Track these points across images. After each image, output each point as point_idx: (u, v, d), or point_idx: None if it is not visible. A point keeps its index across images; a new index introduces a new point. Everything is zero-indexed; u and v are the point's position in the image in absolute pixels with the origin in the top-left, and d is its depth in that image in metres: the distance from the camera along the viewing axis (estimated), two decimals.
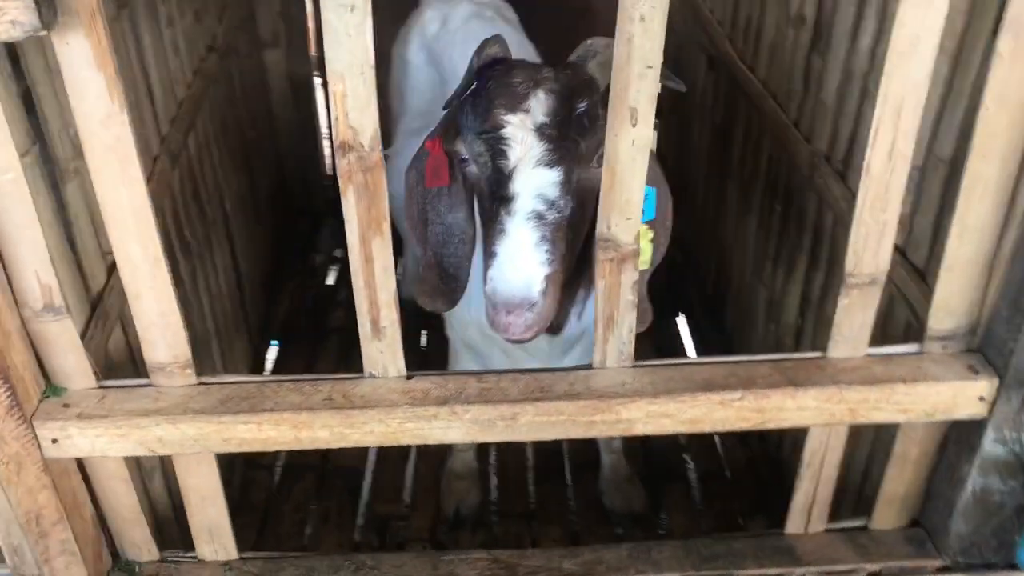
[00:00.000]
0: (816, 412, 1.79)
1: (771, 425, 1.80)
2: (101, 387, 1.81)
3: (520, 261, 1.66)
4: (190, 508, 1.99)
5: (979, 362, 1.81)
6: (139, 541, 2.06)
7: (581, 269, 1.98)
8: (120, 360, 2.02)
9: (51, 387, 1.79)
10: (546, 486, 3.01)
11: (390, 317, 1.73)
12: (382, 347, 1.77)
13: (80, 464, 1.90)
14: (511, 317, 1.66)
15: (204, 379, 1.82)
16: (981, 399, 1.79)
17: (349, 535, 2.85)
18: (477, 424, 1.77)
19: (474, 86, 1.83)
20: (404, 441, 1.79)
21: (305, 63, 4.14)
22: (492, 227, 1.71)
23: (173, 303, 1.71)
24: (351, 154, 1.55)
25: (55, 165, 1.79)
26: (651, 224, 1.82)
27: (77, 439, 1.76)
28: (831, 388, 1.77)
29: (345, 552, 2.54)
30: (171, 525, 2.20)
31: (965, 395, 1.79)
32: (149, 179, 1.85)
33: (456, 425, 1.77)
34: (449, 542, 2.83)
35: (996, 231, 1.69)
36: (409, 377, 1.81)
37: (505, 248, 1.67)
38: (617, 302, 1.74)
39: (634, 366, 1.82)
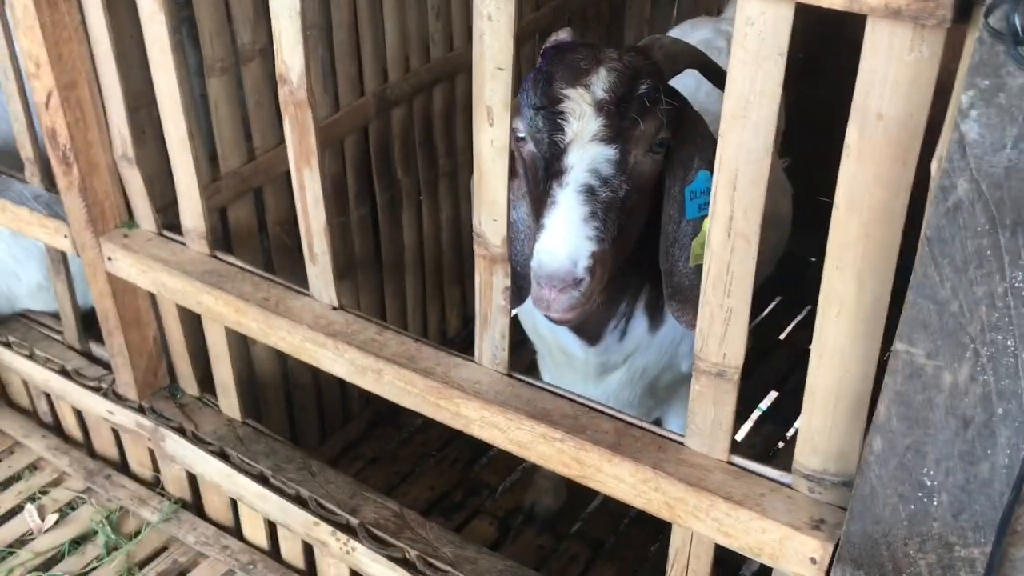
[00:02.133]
0: (632, 489, 1.63)
1: (594, 484, 1.68)
2: (158, 233, 2.28)
3: (568, 233, 1.62)
4: (212, 362, 2.40)
5: (835, 520, 1.49)
6: (185, 376, 2.52)
7: (626, 279, 1.98)
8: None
9: (127, 222, 2.31)
10: (634, 535, 2.93)
11: (321, 245, 1.94)
12: (316, 272, 1.98)
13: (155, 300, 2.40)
14: (554, 293, 1.61)
15: (217, 253, 2.20)
16: (813, 561, 1.48)
17: (438, 484, 3.08)
18: (353, 367, 1.91)
19: (538, 65, 1.88)
20: (303, 357, 1.99)
21: None
22: (544, 203, 1.68)
23: (194, 179, 2.10)
24: (285, 87, 1.79)
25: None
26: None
27: (121, 263, 2.25)
28: (647, 470, 1.60)
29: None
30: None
31: (793, 548, 1.50)
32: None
33: (339, 361, 1.93)
34: (512, 530, 2.93)
35: (863, 365, 1.39)
36: (336, 308, 2.00)
37: (553, 219, 1.63)
38: (490, 303, 1.76)
39: (507, 374, 1.81)
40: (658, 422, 2.49)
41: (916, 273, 1.19)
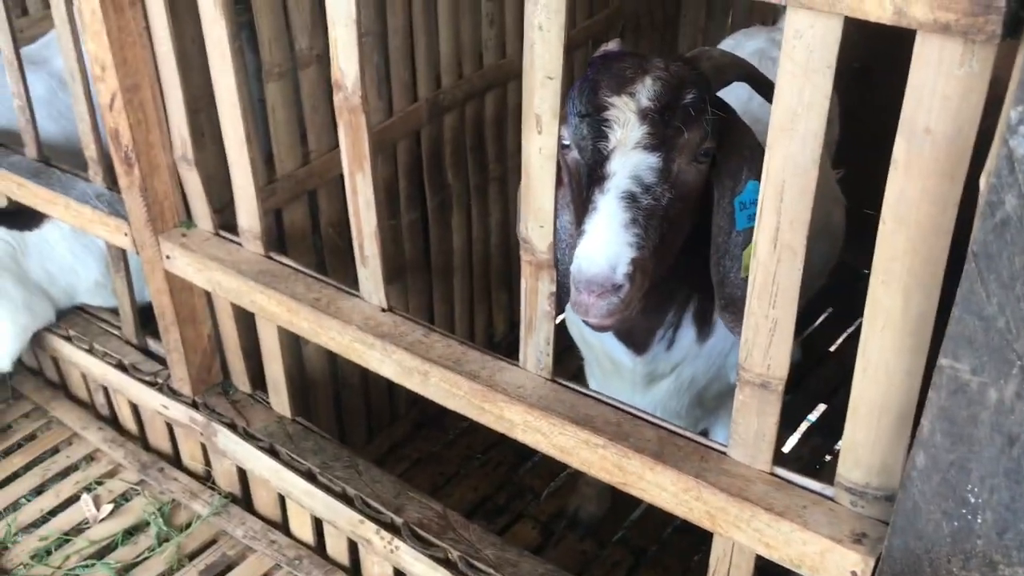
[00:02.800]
0: (674, 498, 1.64)
1: (635, 492, 1.69)
2: (215, 233, 2.34)
3: (608, 238, 1.62)
4: (264, 360, 2.45)
5: (876, 535, 1.49)
6: (238, 373, 2.58)
7: (673, 289, 2.00)
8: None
9: (185, 221, 2.37)
10: (677, 543, 2.93)
11: (372, 248, 1.97)
12: (367, 274, 2.02)
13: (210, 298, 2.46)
14: (592, 298, 1.61)
15: (272, 254, 2.25)
16: (854, 575, 1.48)
17: (482, 487, 3.11)
18: (400, 368, 1.95)
19: (585, 74, 1.89)
20: (352, 357, 2.03)
21: None
22: (586, 209, 1.69)
23: (250, 180, 2.15)
24: (340, 93, 1.83)
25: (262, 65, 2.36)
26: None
27: (178, 260, 2.31)
28: (689, 479, 1.60)
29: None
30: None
31: (835, 561, 1.49)
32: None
33: (387, 362, 1.97)
34: (555, 535, 2.95)
35: (907, 379, 1.39)
36: (385, 310, 2.04)
37: (594, 225, 1.64)
38: (535, 308, 1.78)
39: (551, 379, 1.83)
40: (705, 433, 2.49)
41: (962, 288, 1.19)
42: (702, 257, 1.89)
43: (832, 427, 3.29)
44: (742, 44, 2.86)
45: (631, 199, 1.67)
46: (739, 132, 1.87)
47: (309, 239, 2.71)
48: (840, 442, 3.11)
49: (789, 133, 1.33)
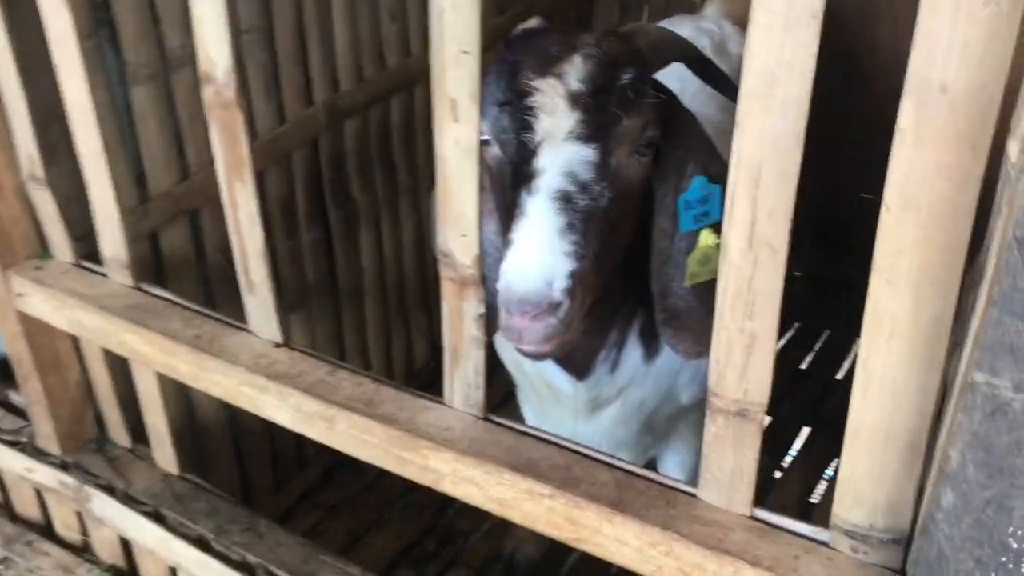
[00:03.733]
0: (638, 554, 1.36)
1: (590, 548, 1.41)
2: (76, 263, 1.99)
3: (540, 248, 1.36)
4: (144, 410, 2.10)
5: None
6: (115, 425, 2.22)
7: (617, 303, 1.73)
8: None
9: (41, 251, 2.01)
10: None
11: (260, 272, 1.66)
12: (255, 303, 1.70)
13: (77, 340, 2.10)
14: (526, 321, 1.35)
15: (143, 285, 1.91)
16: None
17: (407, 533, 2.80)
18: (300, 414, 1.63)
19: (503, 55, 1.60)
20: (241, 403, 1.71)
21: None
22: (512, 215, 1.42)
23: (112, 200, 1.81)
24: (209, 87, 1.51)
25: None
26: (720, 226, 1.55)
27: (32, 298, 1.96)
28: (656, 531, 1.33)
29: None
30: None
31: None
32: None
33: (283, 408, 1.65)
34: None
35: (919, 397, 1.14)
36: (280, 345, 1.72)
37: (523, 233, 1.38)
38: (461, 334, 1.48)
39: (483, 417, 1.54)
40: (654, 462, 2.23)
41: (1000, 284, 0.94)
42: (646, 264, 1.63)
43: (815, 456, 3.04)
44: None
45: (565, 200, 1.40)
46: (682, 120, 1.62)
47: (194, 267, 2.36)
48: (829, 473, 2.93)
49: (766, 101, 1.07)
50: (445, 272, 1.44)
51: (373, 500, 2.90)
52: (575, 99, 1.45)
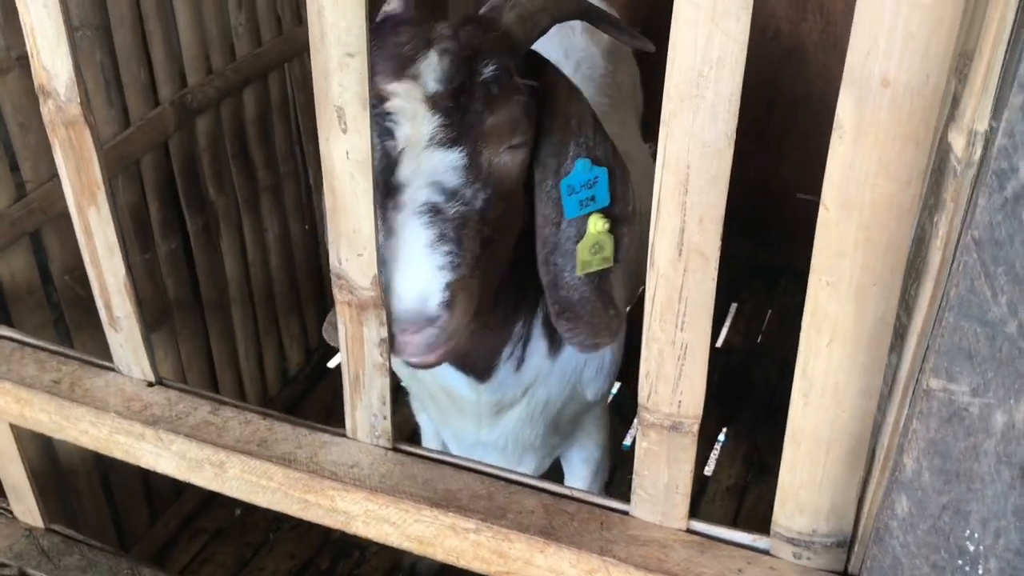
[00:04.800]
0: None
1: None
2: None
3: (410, 266, 1.30)
4: None
5: None
6: None
7: (519, 296, 1.62)
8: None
9: None
10: None
11: (124, 307, 1.48)
12: (121, 340, 1.52)
13: None
14: (407, 336, 1.31)
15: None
16: None
17: (299, 551, 2.64)
18: (185, 461, 1.47)
19: None
20: (116, 454, 1.53)
21: None
22: (384, 229, 1.35)
23: None
24: (49, 102, 1.32)
25: None
26: (609, 211, 1.47)
27: None
28: (593, 558, 1.25)
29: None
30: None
31: None
32: None
33: (165, 455, 1.48)
34: None
35: (862, 401, 1.09)
36: (152, 384, 1.54)
37: (392, 251, 1.31)
38: (361, 361, 1.35)
39: (392, 448, 1.42)
40: (558, 465, 2.16)
41: (957, 288, 0.89)
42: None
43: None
44: None
45: (434, 212, 1.32)
46: (561, 98, 1.51)
47: (40, 293, 2.13)
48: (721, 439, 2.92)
49: (694, 102, 0.99)
50: (341, 295, 1.31)
51: (259, 520, 2.74)
52: (433, 102, 1.34)
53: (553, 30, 2.38)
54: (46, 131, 1.90)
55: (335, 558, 2.65)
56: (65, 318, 2.21)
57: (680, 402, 1.18)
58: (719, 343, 3.39)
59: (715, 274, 1.09)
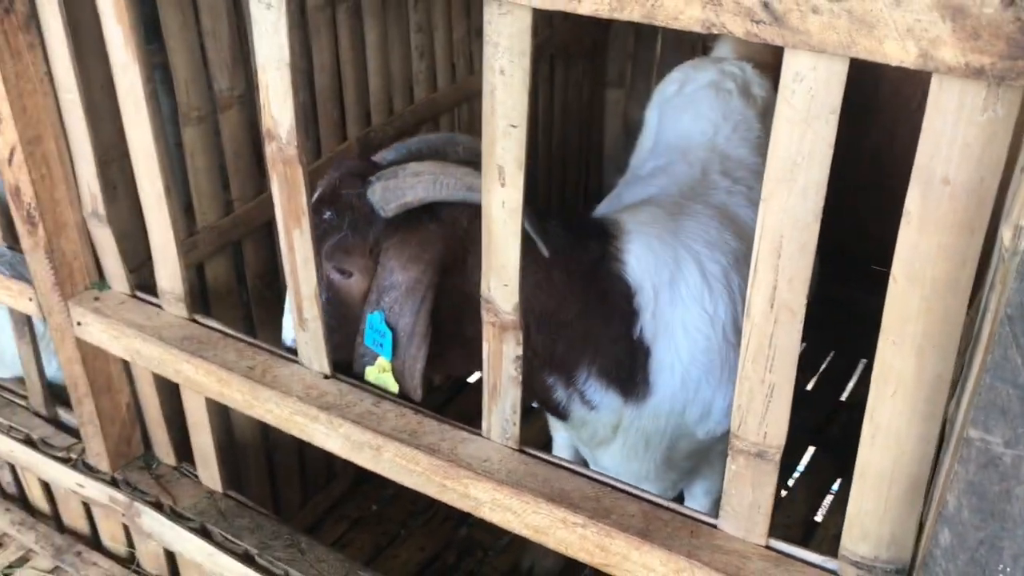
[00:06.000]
0: None
1: (619, 573, 1.54)
2: (131, 294, 2.12)
3: None
4: (190, 431, 2.23)
5: None
6: (161, 444, 2.35)
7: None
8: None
9: (97, 282, 2.14)
10: None
11: (312, 311, 1.79)
12: (306, 338, 1.83)
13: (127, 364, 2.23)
14: None
15: (197, 316, 2.04)
16: None
17: (429, 545, 2.93)
18: (349, 442, 1.77)
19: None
20: (293, 431, 1.84)
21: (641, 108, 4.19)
22: None
23: (171, 239, 1.94)
24: (272, 143, 1.65)
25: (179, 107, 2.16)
26: (392, 363, 1.78)
27: (91, 327, 2.09)
28: (682, 560, 1.46)
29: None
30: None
31: None
32: None
33: (333, 436, 1.78)
34: None
35: (921, 446, 1.27)
36: (327, 376, 1.85)
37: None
38: (500, 373, 1.62)
39: (519, 450, 1.67)
40: (682, 495, 2.35)
41: (994, 355, 1.07)
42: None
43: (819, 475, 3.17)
44: (692, 77, 2.76)
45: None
46: (397, 269, 1.75)
47: (235, 293, 2.50)
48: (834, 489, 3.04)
49: (788, 185, 1.21)
50: (487, 316, 1.58)
51: (396, 513, 3.04)
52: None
53: (712, 94, 2.61)
54: (254, 156, 2.27)
55: (460, 555, 2.91)
56: (252, 315, 2.57)
57: (766, 433, 1.39)
58: (844, 396, 3.50)
59: (800, 326, 1.29)
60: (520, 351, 1.58)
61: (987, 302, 1.17)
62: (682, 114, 2.66)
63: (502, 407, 1.65)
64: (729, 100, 2.67)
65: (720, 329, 1.92)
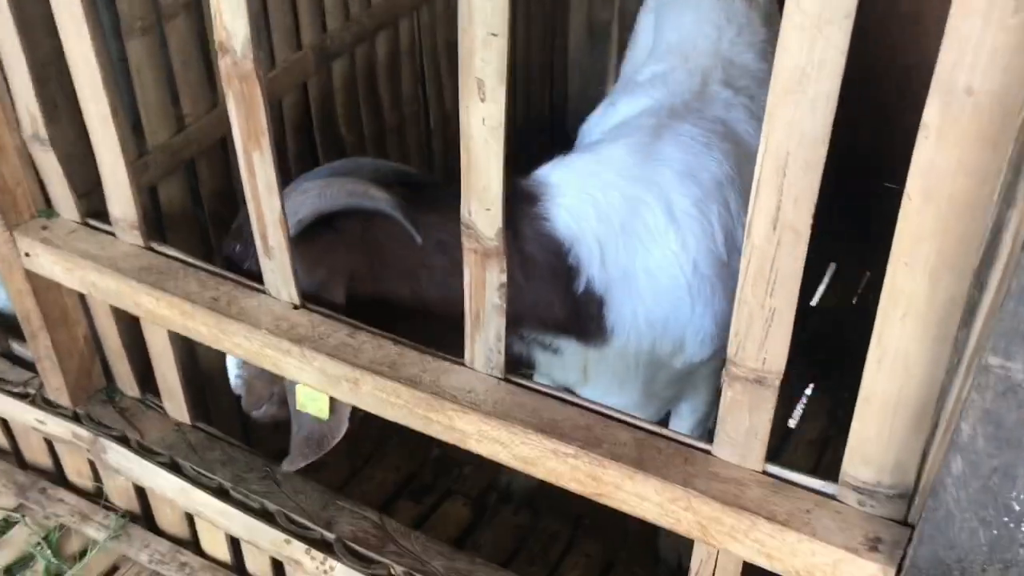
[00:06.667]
0: (658, 509, 1.45)
1: (612, 503, 1.50)
2: (82, 222, 1.99)
3: None
4: (153, 363, 2.13)
5: (893, 538, 1.33)
6: (123, 376, 2.25)
7: None
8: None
9: (44, 209, 2.01)
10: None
11: (276, 237, 1.68)
12: (273, 267, 1.73)
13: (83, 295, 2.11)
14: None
15: (154, 244, 1.92)
16: None
17: (405, 465, 2.89)
18: (324, 376, 1.69)
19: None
20: (265, 366, 1.76)
21: (608, 9, 4.03)
22: None
23: (121, 162, 1.81)
24: (226, 57, 1.51)
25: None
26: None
27: (41, 259, 1.97)
28: (677, 489, 1.41)
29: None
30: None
31: (850, 573, 1.33)
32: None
33: (307, 369, 1.70)
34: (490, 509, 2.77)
35: (930, 370, 1.22)
36: (297, 307, 1.76)
37: None
38: (483, 301, 1.53)
39: (504, 378, 1.60)
40: (667, 417, 2.31)
41: (1018, 278, 1.01)
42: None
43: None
44: None
45: None
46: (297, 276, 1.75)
47: (191, 215, 2.37)
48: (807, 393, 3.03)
49: (795, 96, 1.11)
50: (468, 243, 1.48)
51: (370, 434, 2.98)
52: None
53: None
54: (205, 70, 2.12)
55: (436, 474, 2.88)
56: (210, 238, 2.45)
57: (765, 359, 1.32)
58: (814, 301, 3.48)
59: (805, 248, 1.22)
60: (504, 278, 1.50)
61: (1008, 220, 1.10)
62: (682, 16, 2.53)
63: (486, 336, 1.57)
64: (732, 2, 2.54)
65: (690, 264, 1.84)
